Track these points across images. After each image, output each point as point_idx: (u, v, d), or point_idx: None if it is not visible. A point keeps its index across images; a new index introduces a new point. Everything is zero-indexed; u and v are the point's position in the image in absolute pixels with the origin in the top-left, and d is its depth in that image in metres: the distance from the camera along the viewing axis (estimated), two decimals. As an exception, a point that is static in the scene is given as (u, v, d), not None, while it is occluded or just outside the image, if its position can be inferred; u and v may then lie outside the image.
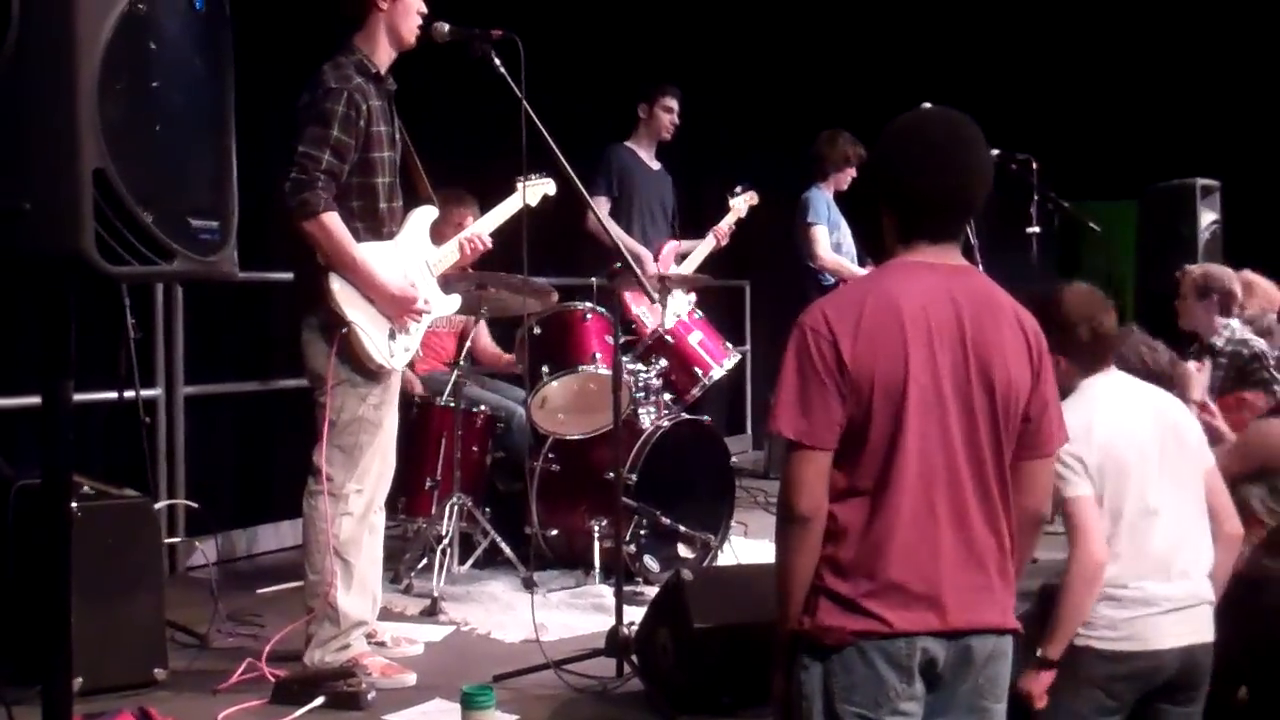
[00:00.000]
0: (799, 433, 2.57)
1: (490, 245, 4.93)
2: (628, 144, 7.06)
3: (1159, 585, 3.29)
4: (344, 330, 4.21)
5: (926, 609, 2.57)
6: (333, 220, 4.14)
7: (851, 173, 7.63)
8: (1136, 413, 3.43)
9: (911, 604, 2.57)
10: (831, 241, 7.52)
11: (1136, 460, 3.35)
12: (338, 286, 4.21)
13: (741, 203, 7.12)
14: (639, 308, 6.81)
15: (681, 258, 7.09)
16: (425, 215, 4.54)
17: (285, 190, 4.11)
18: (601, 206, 6.76)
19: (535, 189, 5.18)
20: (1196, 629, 3.33)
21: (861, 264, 7.66)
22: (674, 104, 7.04)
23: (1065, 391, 3.28)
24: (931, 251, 2.66)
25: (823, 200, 7.54)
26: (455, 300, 4.70)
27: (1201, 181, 7.77)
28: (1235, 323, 5.42)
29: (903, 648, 2.56)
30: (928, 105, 2.89)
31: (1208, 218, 7.85)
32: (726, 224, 7.06)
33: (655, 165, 7.14)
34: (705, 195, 7.35)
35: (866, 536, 2.60)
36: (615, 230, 6.63)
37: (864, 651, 2.58)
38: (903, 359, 2.56)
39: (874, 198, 2.74)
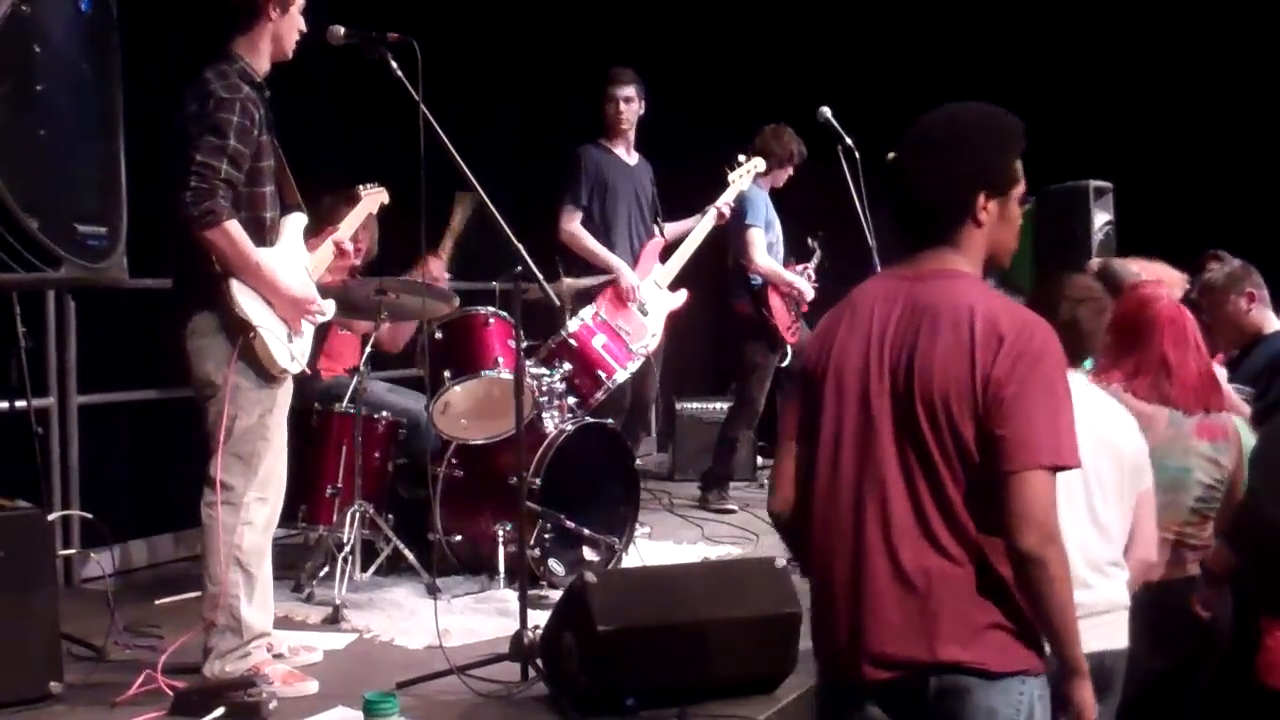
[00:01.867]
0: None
1: (351, 247, 4.96)
2: (602, 140, 6.89)
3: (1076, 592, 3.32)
4: (251, 335, 4.16)
5: (831, 634, 2.56)
6: (236, 228, 4.09)
7: (790, 171, 7.58)
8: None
9: (822, 626, 2.58)
10: (765, 243, 7.49)
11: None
12: (239, 290, 4.15)
13: (743, 175, 6.98)
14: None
15: (676, 241, 7.01)
16: (298, 222, 4.51)
17: (186, 200, 4.02)
18: (572, 218, 6.71)
19: (375, 197, 5.28)
20: (1108, 636, 3.36)
21: (785, 264, 7.68)
22: (621, 91, 6.79)
23: None
24: (911, 259, 2.67)
25: (761, 200, 7.46)
26: (332, 304, 4.64)
27: (1095, 183, 7.88)
28: None
29: (835, 676, 2.57)
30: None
31: (1101, 219, 7.96)
32: (726, 200, 6.94)
33: (632, 159, 6.97)
34: (686, 175, 7.27)
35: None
36: (594, 245, 6.62)
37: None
38: (826, 362, 2.62)
39: None
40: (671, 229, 7.06)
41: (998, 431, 2.43)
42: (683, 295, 6.98)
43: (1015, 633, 2.50)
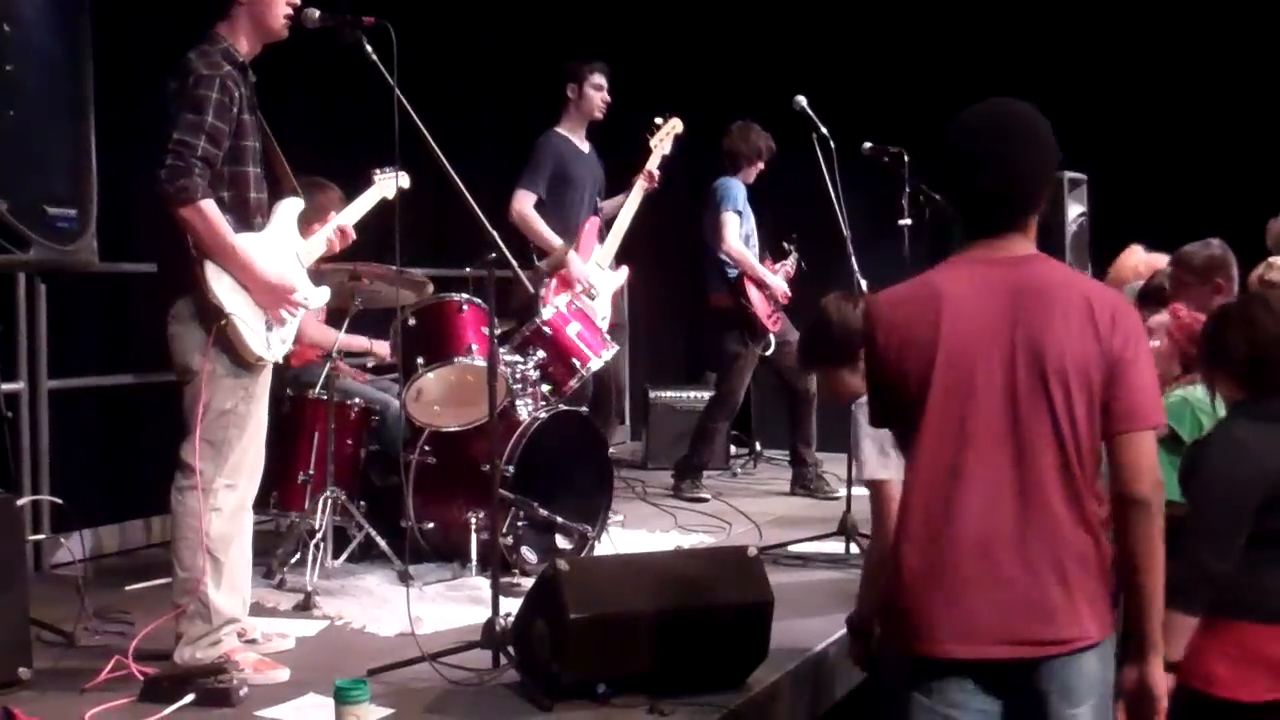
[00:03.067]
0: (873, 470, 2.88)
1: (355, 236, 4.88)
2: (560, 130, 6.89)
3: None
4: (222, 322, 4.14)
5: (933, 611, 2.63)
6: (210, 207, 4.07)
7: (761, 166, 7.62)
8: None
9: (920, 605, 2.65)
10: (741, 232, 7.52)
11: None
12: (213, 276, 4.13)
13: (664, 138, 7.01)
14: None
15: (608, 222, 6.99)
16: (292, 207, 4.48)
17: (161, 177, 4.01)
18: (524, 200, 6.69)
19: (390, 181, 5.18)
20: None
21: (761, 260, 7.71)
22: (604, 81, 6.86)
23: None
24: (990, 245, 2.72)
25: (739, 189, 7.53)
26: (325, 292, 4.65)
27: (1069, 175, 7.90)
28: None
29: (927, 652, 2.63)
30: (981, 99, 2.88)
31: (1075, 210, 7.98)
32: (652, 166, 6.96)
33: (586, 148, 6.98)
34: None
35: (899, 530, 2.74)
36: (545, 232, 6.60)
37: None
38: (930, 352, 2.63)
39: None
40: (605, 205, 7.08)
41: (1116, 394, 2.62)
42: (624, 273, 6.98)
43: (1105, 595, 2.65)
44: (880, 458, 3.60)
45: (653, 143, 7.01)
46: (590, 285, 6.61)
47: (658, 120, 7.05)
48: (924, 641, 2.64)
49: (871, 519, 3.77)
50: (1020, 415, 2.60)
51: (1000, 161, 2.69)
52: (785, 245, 8.06)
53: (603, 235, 6.93)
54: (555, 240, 6.61)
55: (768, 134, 7.58)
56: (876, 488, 3.67)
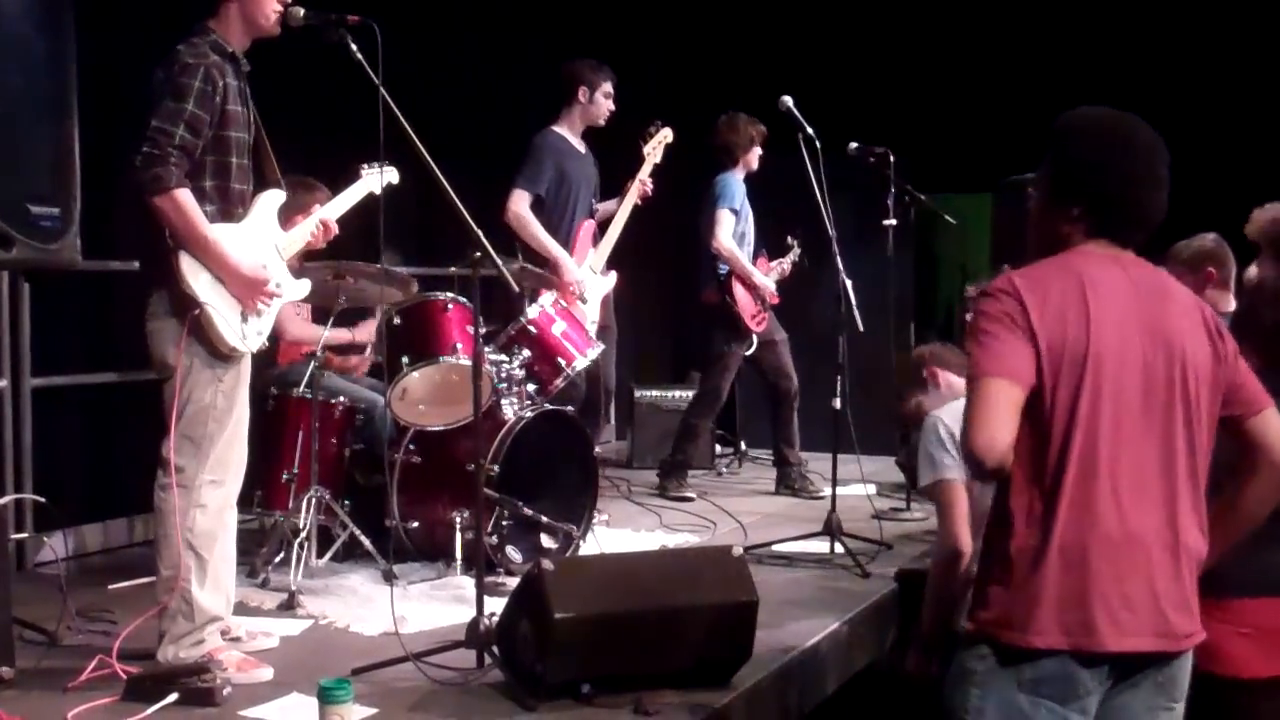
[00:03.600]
0: (983, 364, 2.60)
1: (337, 230, 4.87)
2: (557, 129, 6.86)
3: None
4: (196, 312, 4.12)
5: (1081, 604, 2.61)
6: (185, 196, 4.05)
7: (759, 151, 7.62)
8: None
9: (1067, 597, 2.63)
10: (736, 231, 7.53)
11: None
12: (188, 266, 4.11)
13: (656, 147, 7.02)
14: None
15: (603, 226, 6.99)
16: (273, 199, 4.46)
17: (137, 165, 4.01)
18: (521, 200, 6.66)
19: (377, 176, 5.13)
20: None
21: (756, 257, 7.72)
22: (613, 90, 6.87)
23: None
24: (1111, 245, 2.78)
25: (738, 187, 7.53)
26: (305, 285, 4.63)
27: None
28: None
29: (1075, 645, 2.62)
30: (1091, 108, 2.97)
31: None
32: (644, 174, 6.95)
33: (583, 148, 6.96)
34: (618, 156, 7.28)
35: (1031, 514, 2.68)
36: (541, 233, 6.59)
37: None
38: (1085, 335, 2.63)
39: (1053, 189, 2.84)
40: (600, 207, 7.08)
41: (1241, 383, 2.80)
42: (613, 278, 6.97)
43: None
44: (950, 458, 3.68)
45: (646, 150, 7.01)
46: (582, 290, 6.62)
47: (650, 129, 7.05)
48: (1069, 635, 2.61)
49: (940, 523, 3.86)
50: (1160, 412, 2.66)
51: (1167, 187, 2.79)
52: (789, 240, 8.08)
53: (596, 239, 6.92)
54: (550, 242, 6.60)
55: (755, 120, 7.58)
56: (945, 488, 3.74)
